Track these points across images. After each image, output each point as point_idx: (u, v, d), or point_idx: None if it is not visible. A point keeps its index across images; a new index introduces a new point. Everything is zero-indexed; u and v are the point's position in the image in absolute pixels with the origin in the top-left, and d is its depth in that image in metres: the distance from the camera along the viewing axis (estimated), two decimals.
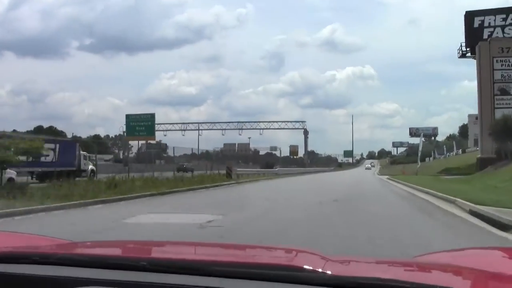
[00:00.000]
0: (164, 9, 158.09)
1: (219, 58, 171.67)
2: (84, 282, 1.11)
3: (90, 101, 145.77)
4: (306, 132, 76.42)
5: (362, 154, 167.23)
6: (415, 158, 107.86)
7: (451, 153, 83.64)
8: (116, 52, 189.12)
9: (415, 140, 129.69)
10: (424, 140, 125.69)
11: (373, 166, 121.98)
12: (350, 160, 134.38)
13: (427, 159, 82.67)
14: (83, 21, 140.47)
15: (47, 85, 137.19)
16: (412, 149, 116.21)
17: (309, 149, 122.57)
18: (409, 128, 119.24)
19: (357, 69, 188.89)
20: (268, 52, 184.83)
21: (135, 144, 35.90)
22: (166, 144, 49.96)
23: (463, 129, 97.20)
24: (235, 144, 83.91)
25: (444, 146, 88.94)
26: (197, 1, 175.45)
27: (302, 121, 78.28)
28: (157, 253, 1.59)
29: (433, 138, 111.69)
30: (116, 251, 1.63)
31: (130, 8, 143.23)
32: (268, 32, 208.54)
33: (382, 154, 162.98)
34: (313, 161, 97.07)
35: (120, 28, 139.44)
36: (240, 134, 73.97)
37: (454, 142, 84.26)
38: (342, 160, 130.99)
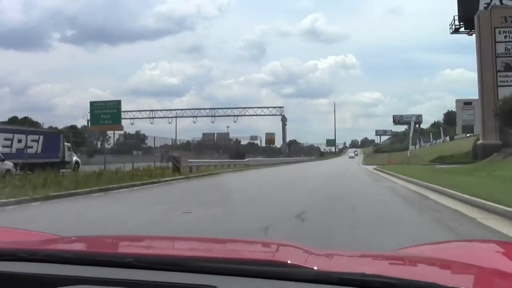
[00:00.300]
0: (145, 0, 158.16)
1: (201, 49, 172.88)
2: (71, 280, 1.09)
3: (73, 92, 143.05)
4: (284, 119, 70.71)
5: (345, 143, 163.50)
6: (400, 146, 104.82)
7: (438, 140, 79.27)
8: (98, 43, 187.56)
9: (399, 128, 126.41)
10: (407, 128, 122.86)
11: (356, 155, 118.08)
12: (333, 149, 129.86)
13: (411, 147, 78.11)
14: (65, 12, 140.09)
15: (30, 77, 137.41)
16: (396, 137, 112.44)
17: (291, 138, 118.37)
18: (393, 116, 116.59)
19: (339, 58, 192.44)
20: (249, 42, 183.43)
21: (111, 135, 34.33)
22: (144, 134, 46.46)
23: (449, 116, 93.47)
24: (213, 133, 79.82)
25: (430, 133, 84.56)
26: None
27: (280, 107, 72.39)
28: (143, 249, 1.61)
29: (417, 125, 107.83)
30: (103, 247, 1.63)
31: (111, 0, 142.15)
32: (250, 22, 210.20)
33: (365, 143, 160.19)
34: (295, 151, 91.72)
35: (102, 20, 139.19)
36: (212, 122, 68.20)
37: (441, 129, 79.85)
38: (324, 149, 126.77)
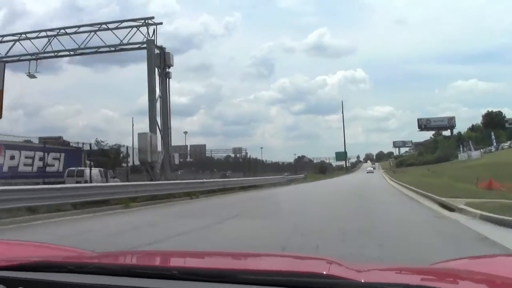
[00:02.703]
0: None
1: (209, 67, 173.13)
2: None
3: (85, 113, 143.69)
4: None
5: (358, 157, 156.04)
6: (431, 157, 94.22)
7: (491, 147, 69.44)
8: (107, 64, 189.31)
9: (424, 135, 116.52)
10: (433, 134, 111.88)
11: (374, 169, 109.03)
12: (345, 163, 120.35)
13: (463, 154, 68.21)
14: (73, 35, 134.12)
15: (42, 99, 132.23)
16: (423, 146, 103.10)
17: (300, 154, 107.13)
18: (418, 120, 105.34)
19: (348, 73, 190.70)
20: (257, 59, 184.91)
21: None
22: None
23: (489, 118, 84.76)
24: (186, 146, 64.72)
25: (469, 140, 75.63)
26: (184, 11, 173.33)
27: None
28: (184, 262, 1.74)
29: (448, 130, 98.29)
30: (144, 261, 1.78)
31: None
32: (257, 40, 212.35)
33: (381, 156, 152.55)
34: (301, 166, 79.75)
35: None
36: None
37: (492, 134, 70.95)
38: (329, 163, 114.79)
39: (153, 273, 1.29)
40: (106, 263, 1.52)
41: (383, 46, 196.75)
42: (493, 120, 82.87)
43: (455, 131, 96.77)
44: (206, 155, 55.32)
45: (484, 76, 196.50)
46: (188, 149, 60.18)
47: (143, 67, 25.11)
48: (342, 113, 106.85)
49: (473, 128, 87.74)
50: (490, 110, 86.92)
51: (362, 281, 1.16)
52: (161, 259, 1.86)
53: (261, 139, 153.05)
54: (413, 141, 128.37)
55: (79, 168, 24.95)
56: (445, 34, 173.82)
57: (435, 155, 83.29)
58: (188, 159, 47.47)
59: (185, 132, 59.38)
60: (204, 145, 60.83)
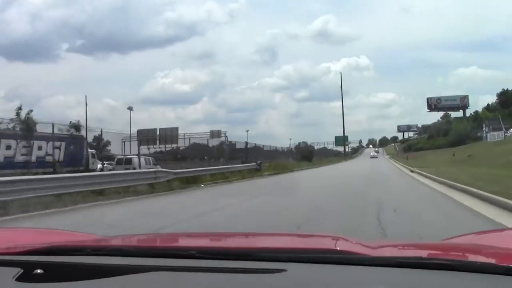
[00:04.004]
0: (154, 7, 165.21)
1: (212, 55, 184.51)
2: (141, 268, 1.19)
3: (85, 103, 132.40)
4: None
5: (360, 141, 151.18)
6: (443, 140, 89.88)
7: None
8: (108, 52, 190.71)
9: (434, 116, 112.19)
10: (443, 115, 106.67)
11: (378, 152, 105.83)
12: (349, 149, 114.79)
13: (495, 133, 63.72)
14: (73, 23, 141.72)
15: (41, 89, 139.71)
16: (435, 128, 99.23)
17: (301, 140, 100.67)
18: (427, 100, 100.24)
19: (352, 60, 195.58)
20: (261, 46, 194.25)
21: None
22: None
23: (506, 97, 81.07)
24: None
25: (486, 121, 72.22)
26: None
27: None
28: (204, 243, 1.75)
29: (460, 111, 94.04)
30: (161, 242, 1.87)
31: (120, 8, 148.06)
32: (260, 26, 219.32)
33: (384, 141, 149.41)
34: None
35: (110, 28, 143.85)
36: None
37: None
38: (335, 149, 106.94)
39: (171, 253, 1.31)
40: (122, 245, 1.56)
41: (387, 33, 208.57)
42: (510, 99, 79.39)
43: (467, 112, 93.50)
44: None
45: (485, 64, 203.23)
46: (158, 133, 51.51)
47: None
48: (341, 86, 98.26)
49: (488, 108, 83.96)
50: (505, 89, 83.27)
51: (375, 255, 1.21)
52: (178, 240, 1.96)
53: (266, 126, 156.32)
54: (418, 125, 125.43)
55: (127, 156, 27.61)
56: (449, 22, 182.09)
57: (449, 138, 79.64)
58: (158, 145, 39.73)
59: (130, 108, 50.69)
60: (176, 128, 52.33)
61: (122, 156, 28.78)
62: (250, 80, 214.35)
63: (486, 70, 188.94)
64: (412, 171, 26.66)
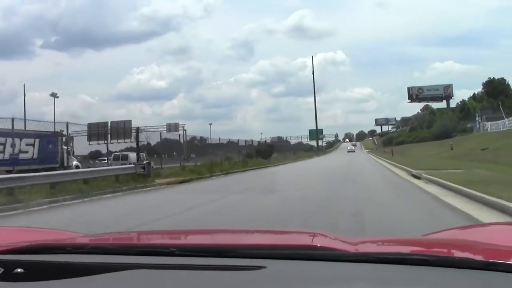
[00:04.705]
0: (129, 2, 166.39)
1: (188, 50, 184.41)
2: (121, 267, 1.19)
3: (62, 99, 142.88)
4: None
5: (337, 135, 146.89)
6: (426, 133, 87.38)
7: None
8: (83, 48, 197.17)
9: (414, 109, 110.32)
10: (420, 111, 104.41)
11: (355, 146, 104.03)
12: (324, 143, 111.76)
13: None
14: (47, 18, 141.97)
15: (15, 84, 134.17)
16: (418, 120, 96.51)
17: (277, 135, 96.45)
18: (408, 89, 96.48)
19: (329, 55, 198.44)
20: (237, 41, 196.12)
21: None
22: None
23: (492, 86, 79.23)
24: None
25: (478, 110, 69.73)
26: None
27: None
28: (183, 240, 1.75)
29: (444, 101, 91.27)
30: (142, 240, 1.79)
31: (94, 3, 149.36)
32: (236, 21, 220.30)
33: (361, 136, 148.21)
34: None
35: (85, 24, 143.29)
36: None
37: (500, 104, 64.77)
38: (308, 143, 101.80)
39: (151, 250, 1.31)
40: (102, 243, 1.54)
41: (364, 28, 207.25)
42: (496, 89, 77.52)
43: (451, 104, 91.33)
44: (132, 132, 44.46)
45: (461, 58, 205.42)
46: (109, 126, 45.68)
47: None
48: (313, 72, 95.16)
49: (475, 98, 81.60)
50: (492, 78, 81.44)
51: (355, 251, 1.21)
52: (158, 237, 1.91)
53: (242, 122, 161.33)
54: (397, 118, 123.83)
55: (124, 152, 28.60)
56: (424, 16, 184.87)
57: (434, 130, 77.13)
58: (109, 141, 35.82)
59: (54, 95, 45.44)
60: (130, 121, 46.89)
61: (119, 153, 29.86)
62: (227, 75, 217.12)
63: (463, 64, 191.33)
64: (415, 177, 15.85)
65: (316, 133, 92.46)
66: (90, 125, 38.22)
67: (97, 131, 40.32)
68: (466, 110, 75.07)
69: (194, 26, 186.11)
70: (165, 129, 44.90)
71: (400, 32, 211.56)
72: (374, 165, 29.88)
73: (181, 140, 37.16)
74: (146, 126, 48.50)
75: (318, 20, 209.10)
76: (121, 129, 45.75)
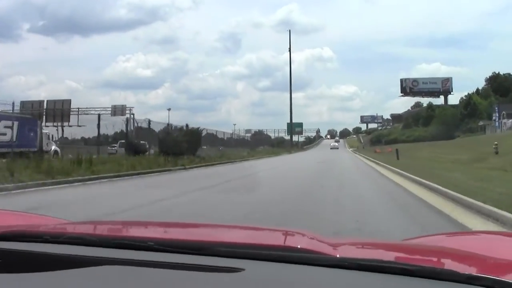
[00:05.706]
0: None
1: (175, 40, 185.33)
2: (98, 261, 1.18)
3: (48, 84, 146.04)
4: None
5: (319, 131, 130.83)
6: (423, 131, 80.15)
7: None
8: (70, 34, 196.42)
9: (409, 101, 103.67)
10: (410, 109, 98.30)
11: (338, 142, 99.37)
12: (302, 138, 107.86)
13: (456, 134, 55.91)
14: (34, 2, 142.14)
15: (1, 68, 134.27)
16: (413, 117, 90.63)
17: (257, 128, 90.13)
18: (401, 81, 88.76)
19: (316, 51, 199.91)
20: (224, 33, 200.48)
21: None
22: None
23: (496, 81, 74.27)
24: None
25: (494, 106, 64.25)
26: None
27: None
28: (162, 233, 1.72)
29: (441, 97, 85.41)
30: (120, 231, 1.77)
31: None
32: (224, 13, 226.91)
33: (345, 133, 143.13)
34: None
35: (72, 10, 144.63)
36: None
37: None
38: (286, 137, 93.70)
39: (129, 244, 1.31)
40: (81, 233, 1.53)
41: (352, 25, 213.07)
42: (501, 85, 72.65)
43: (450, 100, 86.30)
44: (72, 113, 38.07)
45: (447, 60, 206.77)
46: (45, 105, 39.18)
47: None
48: (289, 49, 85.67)
49: (478, 93, 75.77)
50: (496, 72, 76.55)
51: (337, 256, 1.21)
52: (137, 229, 1.88)
53: (227, 115, 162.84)
54: (384, 116, 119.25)
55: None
56: (413, 16, 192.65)
57: (433, 128, 71.62)
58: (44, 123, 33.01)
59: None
60: (69, 100, 39.24)
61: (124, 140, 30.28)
62: (213, 67, 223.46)
63: (448, 66, 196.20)
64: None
65: (291, 126, 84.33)
66: (24, 104, 35.11)
67: (31, 111, 32.69)
68: (472, 106, 69.75)
69: (182, 17, 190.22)
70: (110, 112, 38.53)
71: (388, 31, 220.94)
72: (374, 183, 14.01)
73: (130, 127, 30.70)
74: (87, 108, 41.06)
75: (306, 15, 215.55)
76: (59, 110, 37.03)
